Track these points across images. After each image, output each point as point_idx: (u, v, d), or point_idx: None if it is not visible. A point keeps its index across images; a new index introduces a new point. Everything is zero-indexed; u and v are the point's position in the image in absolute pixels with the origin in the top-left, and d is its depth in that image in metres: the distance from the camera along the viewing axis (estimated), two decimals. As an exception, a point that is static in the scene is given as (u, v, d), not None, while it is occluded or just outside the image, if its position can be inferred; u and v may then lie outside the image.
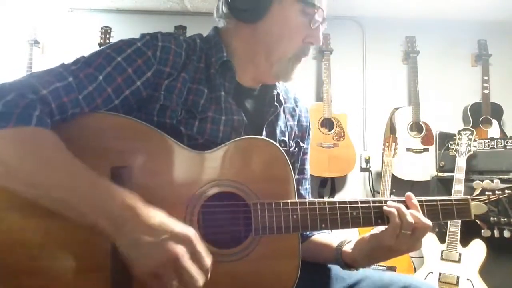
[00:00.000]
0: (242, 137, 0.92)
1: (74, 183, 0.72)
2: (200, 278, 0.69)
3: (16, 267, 0.74)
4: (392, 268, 2.59)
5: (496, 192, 0.97)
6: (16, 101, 0.72)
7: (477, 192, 0.99)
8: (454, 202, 0.95)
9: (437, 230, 2.45)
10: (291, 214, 0.86)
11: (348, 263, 0.97)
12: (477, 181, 1.00)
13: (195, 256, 0.70)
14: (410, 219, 0.86)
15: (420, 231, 0.88)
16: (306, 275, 0.89)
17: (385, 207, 0.89)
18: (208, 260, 0.71)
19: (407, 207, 0.90)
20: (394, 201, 0.91)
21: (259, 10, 0.94)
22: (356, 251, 0.95)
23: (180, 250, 0.68)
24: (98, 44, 3.11)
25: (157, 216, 0.71)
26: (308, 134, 1.16)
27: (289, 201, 0.87)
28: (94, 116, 0.82)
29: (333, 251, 0.99)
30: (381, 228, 0.90)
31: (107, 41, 3.12)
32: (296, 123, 1.12)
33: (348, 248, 0.97)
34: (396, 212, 0.87)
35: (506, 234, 0.96)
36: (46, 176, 0.71)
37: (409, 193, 0.92)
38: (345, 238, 1.03)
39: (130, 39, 0.90)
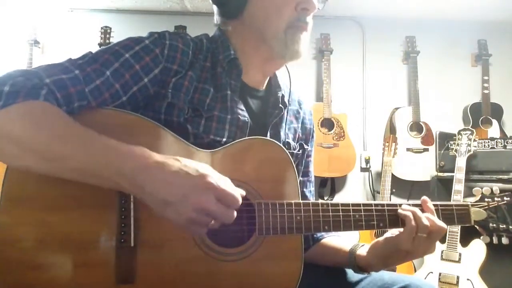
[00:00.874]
0: (247, 137, 0.92)
1: (88, 150, 0.72)
2: (232, 214, 0.72)
3: (21, 262, 0.75)
4: (392, 268, 2.59)
5: (495, 198, 0.98)
6: (24, 82, 0.73)
7: (477, 198, 1.00)
8: (454, 208, 0.96)
9: (437, 230, 2.44)
10: (294, 215, 0.86)
11: (362, 267, 0.97)
12: (477, 188, 1.01)
13: (222, 198, 0.71)
14: (425, 222, 0.87)
15: (436, 234, 0.88)
16: (307, 275, 0.89)
17: (400, 211, 0.90)
18: (236, 198, 0.72)
19: (422, 211, 0.90)
20: (409, 204, 0.91)
21: (238, 1, 0.95)
22: (370, 255, 0.95)
23: (205, 199, 0.69)
24: (98, 44, 3.11)
25: (174, 169, 0.71)
26: (312, 137, 1.16)
27: (293, 202, 0.87)
28: (101, 111, 0.82)
29: (346, 255, 0.99)
30: (395, 231, 0.91)
31: (107, 41, 3.12)
32: (300, 125, 1.12)
33: (362, 252, 0.97)
34: (411, 216, 0.88)
35: (504, 241, 0.98)
36: (60, 147, 0.71)
37: (425, 197, 0.93)
38: (357, 242, 1.03)
39: (138, 37, 0.91)
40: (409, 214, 0.88)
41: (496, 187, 0.99)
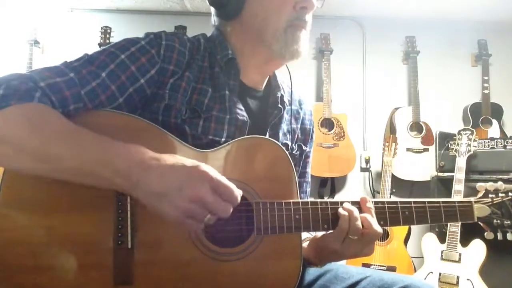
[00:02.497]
0: (245, 137, 0.92)
1: (83, 150, 0.72)
2: (228, 207, 0.71)
3: (19, 265, 0.75)
4: (392, 268, 2.59)
5: (500, 194, 0.96)
6: (18, 86, 0.73)
7: (480, 194, 0.98)
8: (457, 204, 0.94)
9: (437, 230, 2.45)
10: (293, 214, 0.86)
11: (306, 260, 0.96)
12: (481, 183, 0.99)
13: (217, 189, 0.71)
14: (359, 224, 0.85)
15: (369, 238, 0.86)
16: (304, 275, 0.89)
17: (339, 210, 0.88)
18: (230, 188, 0.72)
19: (361, 211, 0.88)
20: (349, 202, 0.89)
21: (237, 1, 0.95)
22: (309, 249, 0.95)
23: (201, 189, 0.69)
24: (98, 44, 3.11)
25: (169, 162, 0.71)
26: (311, 137, 1.16)
27: (291, 201, 0.87)
28: (98, 113, 0.82)
29: None
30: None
31: (107, 41, 3.12)
32: (299, 126, 1.11)
33: (305, 245, 0.97)
34: (347, 216, 0.86)
35: (509, 237, 0.96)
36: (55, 148, 0.71)
37: (364, 197, 0.91)
38: (309, 235, 1.02)
39: (134, 38, 0.90)
40: (345, 214, 0.86)
41: (501, 182, 0.97)
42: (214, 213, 0.71)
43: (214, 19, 1.03)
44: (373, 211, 0.89)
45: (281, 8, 0.94)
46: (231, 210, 0.72)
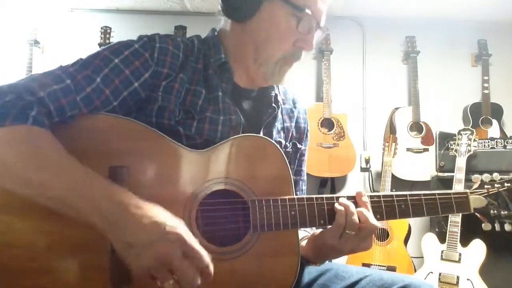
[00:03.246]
0: (239, 135, 0.92)
1: (68, 182, 0.72)
2: (195, 277, 0.68)
3: (15, 268, 0.74)
4: (392, 268, 2.59)
5: (496, 185, 0.96)
6: (14, 102, 0.73)
7: (476, 186, 0.98)
8: (453, 196, 0.95)
9: (437, 230, 2.44)
10: (289, 210, 0.87)
11: (305, 258, 0.96)
12: (476, 175, 0.99)
13: (189, 255, 0.69)
14: (355, 219, 0.86)
15: (366, 232, 0.87)
16: (304, 274, 0.89)
17: (335, 205, 0.88)
18: (204, 257, 0.70)
19: (357, 205, 0.89)
20: (344, 197, 0.90)
21: (248, 9, 0.94)
22: (307, 247, 0.95)
23: (171, 251, 0.68)
24: (98, 44, 3.11)
25: (149, 214, 0.70)
26: (306, 136, 1.16)
27: (287, 197, 0.88)
28: (92, 117, 0.83)
29: None
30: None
31: (107, 41, 3.12)
32: (293, 124, 1.11)
33: (303, 243, 0.97)
34: (343, 211, 0.86)
35: (507, 227, 0.96)
36: (41, 175, 0.71)
37: (359, 191, 0.91)
38: (308, 233, 1.02)
39: (127, 41, 0.91)
40: (342, 209, 0.86)
41: (496, 173, 0.97)
42: (179, 278, 0.68)
43: (220, 11, 1.01)
44: (369, 205, 0.89)
45: (283, 40, 0.95)
46: (198, 282, 0.69)
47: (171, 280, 0.68)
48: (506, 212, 0.94)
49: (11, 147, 0.72)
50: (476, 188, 0.97)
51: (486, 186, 0.96)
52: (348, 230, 0.85)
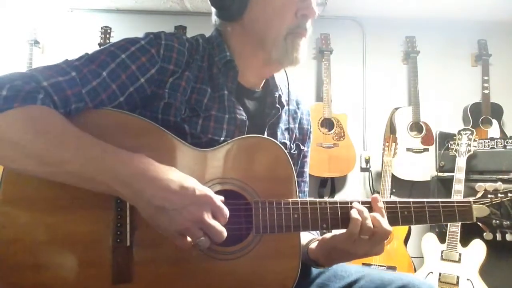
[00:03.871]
0: (244, 136, 0.92)
1: (86, 155, 0.72)
2: (224, 231, 0.75)
3: (18, 263, 0.75)
4: (392, 268, 2.59)
5: (499, 195, 0.96)
6: (21, 86, 0.73)
7: (479, 195, 0.98)
8: (456, 204, 0.94)
9: (437, 230, 2.45)
10: (292, 213, 0.86)
11: (314, 261, 0.96)
12: (480, 184, 0.99)
13: (217, 214, 0.75)
14: (369, 224, 0.86)
15: (379, 237, 0.87)
16: (305, 274, 0.89)
17: (352, 211, 0.88)
18: (226, 211, 0.77)
19: (371, 210, 0.89)
20: (359, 202, 0.90)
21: (239, 4, 0.95)
22: (317, 250, 0.95)
23: (203, 212, 0.73)
24: (98, 44, 3.11)
25: (174, 178, 0.74)
26: (309, 137, 1.16)
27: (290, 200, 0.87)
28: (98, 112, 0.83)
29: (303, 248, 0.98)
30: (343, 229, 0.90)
31: (107, 41, 3.12)
32: (297, 125, 1.11)
33: (313, 246, 0.97)
34: (358, 216, 0.86)
35: (508, 237, 0.96)
36: (58, 151, 0.72)
37: (376, 195, 0.91)
38: (315, 235, 1.02)
39: (133, 38, 0.91)
40: (358, 217, 0.86)
41: (500, 183, 0.97)
42: (209, 235, 0.74)
43: (214, 18, 1.03)
44: (383, 210, 0.89)
45: (282, 15, 0.94)
46: (225, 235, 0.75)
47: (202, 237, 0.74)
48: (508, 222, 0.94)
49: (24, 127, 0.72)
50: (479, 198, 0.97)
51: (489, 196, 0.96)
52: (362, 234, 0.86)
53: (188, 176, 0.76)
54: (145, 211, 0.73)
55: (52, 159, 0.71)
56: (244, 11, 0.95)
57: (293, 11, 0.95)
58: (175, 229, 0.73)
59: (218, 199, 0.76)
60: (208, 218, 0.73)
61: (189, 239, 0.74)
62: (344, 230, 0.89)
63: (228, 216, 0.77)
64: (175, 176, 0.74)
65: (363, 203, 0.90)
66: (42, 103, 0.74)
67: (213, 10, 1.02)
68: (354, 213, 0.87)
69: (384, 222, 0.87)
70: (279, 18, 0.94)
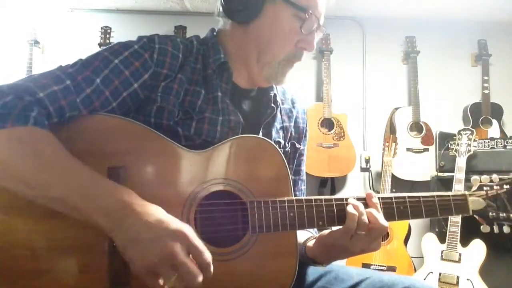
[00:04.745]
0: (238, 136, 0.92)
1: (71, 182, 0.72)
2: (198, 274, 0.69)
3: (15, 269, 0.74)
4: (392, 268, 2.59)
5: (494, 187, 0.96)
6: (14, 103, 0.73)
7: (475, 188, 0.98)
8: (451, 198, 0.95)
9: (437, 230, 2.44)
10: (287, 211, 0.87)
11: (312, 259, 0.96)
12: (475, 177, 0.99)
13: (193, 252, 0.70)
14: (365, 220, 0.86)
15: (376, 232, 0.87)
16: (305, 275, 0.89)
17: (347, 207, 0.88)
18: (207, 255, 0.71)
19: (367, 206, 0.89)
20: (354, 198, 0.90)
21: (251, 11, 0.94)
22: (315, 247, 0.95)
23: (176, 247, 0.68)
24: (98, 44, 3.11)
25: (154, 213, 0.72)
26: (305, 136, 1.16)
27: (285, 198, 0.87)
28: (92, 117, 0.83)
29: (300, 246, 0.98)
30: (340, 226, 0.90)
31: (107, 41, 3.12)
32: (292, 124, 1.12)
33: (311, 243, 0.97)
34: (354, 211, 0.87)
35: (505, 229, 0.96)
36: (44, 175, 0.72)
37: (370, 192, 0.92)
38: (313, 233, 1.02)
39: (127, 42, 0.91)
40: (354, 212, 0.87)
41: (495, 175, 0.97)
42: (182, 275, 0.69)
43: (218, 13, 1.01)
44: (379, 206, 0.90)
45: (286, 41, 0.96)
46: (200, 280, 0.69)
47: (173, 277, 0.68)
48: (504, 214, 0.94)
49: (13, 149, 0.72)
50: (475, 190, 0.97)
51: (485, 188, 0.97)
52: (359, 230, 0.86)
53: (170, 216, 0.73)
54: (120, 246, 0.71)
55: (37, 183, 0.71)
56: (254, 19, 0.95)
57: (294, 41, 0.96)
58: (146, 265, 0.68)
59: (196, 238, 0.71)
60: (181, 255, 0.68)
61: (160, 281, 0.70)
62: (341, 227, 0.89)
63: (209, 260, 0.71)
64: (157, 212, 0.72)
65: (358, 199, 0.90)
66: (34, 121, 0.73)
67: (220, 6, 1.00)
68: (350, 209, 0.87)
69: (380, 218, 0.88)
70: (281, 43, 0.96)
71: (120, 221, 0.70)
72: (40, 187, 0.71)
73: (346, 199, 0.90)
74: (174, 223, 0.71)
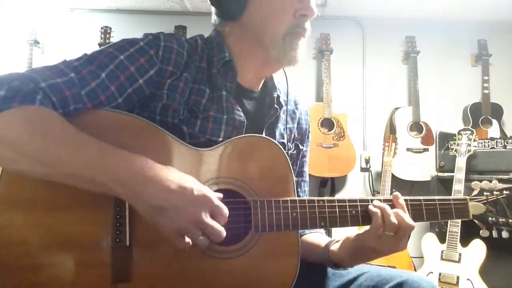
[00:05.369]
0: (242, 135, 0.92)
1: (84, 155, 0.72)
2: (222, 231, 0.75)
3: (17, 263, 0.75)
4: (392, 268, 2.59)
5: (495, 192, 0.97)
6: (20, 86, 0.73)
7: (475, 192, 0.99)
8: (452, 202, 0.95)
9: (437, 230, 2.45)
10: (290, 211, 0.87)
11: (336, 263, 0.97)
12: (476, 182, 1.01)
13: (215, 213, 0.76)
14: (393, 220, 0.87)
15: (403, 232, 0.87)
16: (304, 272, 0.89)
17: (370, 207, 0.89)
18: (225, 211, 0.77)
19: (393, 207, 0.90)
20: (380, 200, 0.91)
21: (238, 3, 0.95)
22: (341, 251, 0.95)
23: (202, 212, 0.73)
24: (98, 44, 3.12)
25: (174, 178, 0.74)
26: (308, 137, 1.16)
27: (288, 199, 0.88)
28: (96, 112, 0.83)
29: (322, 250, 0.99)
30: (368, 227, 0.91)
31: (107, 41, 3.12)
32: (295, 125, 1.12)
33: (335, 247, 0.97)
34: (379, 213, 0.87)
35: (504, 234, 0.97)
36: (57, 152, 0.72)
37: (396, 193, 0.92)
38: (334, 237, 1.03)
39: (133, 39, 0.91)
40: (377, 211, 0.87)
41: (495, 180, 0.98)
42: (208, 235, 0.75)
43: (214, 18, 1.04)
44: (405, 207, 0.91)
45: (281, 15, 0.94)
46: (224, 235, 0.76)
47: (201, 237, 0.74)
48: (504, 220, 0.95)
49: (25, 126, 0.71)
50: (475, 195, 0.98)
51: (485, 193, 0.98)
52: (387, 231, 0.86)
53: (187, 176, 0.76)
54: (145, 212, 0.73)
55: (49, 159, 0.71)
56: (243, 10, 0.96)
57: (291, 12, 0.95)
58: (174, 230, 0.73)
59: (217, 199, 0.76)
60: (207, 218, 0.74)
61: (187, 239, 0.74)
62: (341, 228, 0.90)
63: (227, 215, 0.77)
64: (174, 176, 0.74)
65: (384, 201, 0.91)
66: (40, 103, 0.74)
67: (213, 9, 1.02)
68: (372, 208, 0.89)
69: (407, 217, 0.88)
70: (277, 18, 0.94)
71: (140, 191, 0.72)
72: (53, 163, 0.71)
73: (349, 201, 0.90)
74: (195, 188, 0.74)
